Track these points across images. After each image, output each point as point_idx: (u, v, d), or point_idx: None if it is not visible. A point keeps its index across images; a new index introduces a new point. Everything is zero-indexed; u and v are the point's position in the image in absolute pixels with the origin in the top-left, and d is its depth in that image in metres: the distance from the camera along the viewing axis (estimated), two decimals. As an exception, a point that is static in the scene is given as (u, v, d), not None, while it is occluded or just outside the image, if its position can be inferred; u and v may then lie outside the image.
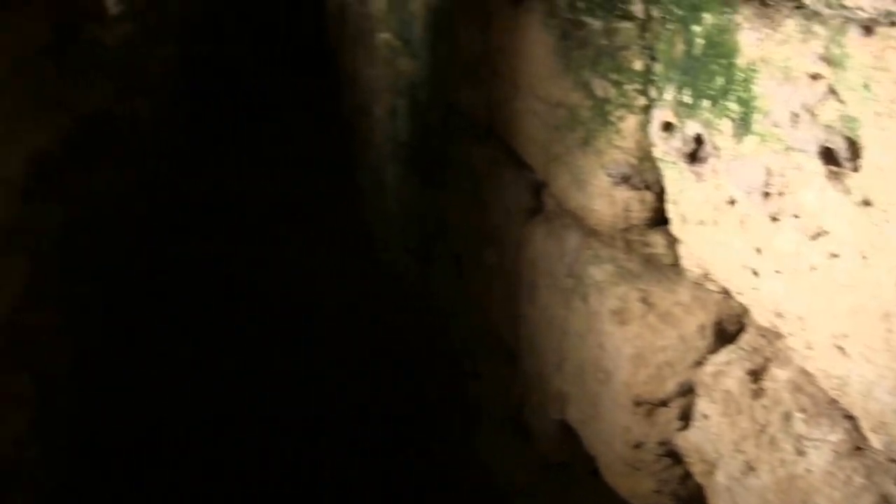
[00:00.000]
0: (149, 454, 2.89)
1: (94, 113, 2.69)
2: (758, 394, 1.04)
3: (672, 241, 1.29)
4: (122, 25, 3.34)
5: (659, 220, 1.34)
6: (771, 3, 0.98)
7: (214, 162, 6.08)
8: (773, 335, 1.07)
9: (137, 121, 3.67)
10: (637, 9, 1.28)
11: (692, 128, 1.11)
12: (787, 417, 0.98)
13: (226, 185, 5.69)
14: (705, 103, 1.09)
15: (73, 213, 2.35)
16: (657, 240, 1.34)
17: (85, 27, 2.63)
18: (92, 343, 2.61)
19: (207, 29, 7.84)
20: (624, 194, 1.34)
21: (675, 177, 1.19)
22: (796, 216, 0.93)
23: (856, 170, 0.83)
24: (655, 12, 1.24)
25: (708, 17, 1.09)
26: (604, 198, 1.37)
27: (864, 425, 0.87)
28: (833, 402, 0.93)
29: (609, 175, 1.34)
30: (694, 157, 1.12)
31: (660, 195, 1.31)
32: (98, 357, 2.71)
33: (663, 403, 1.25)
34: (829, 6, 0.85)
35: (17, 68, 1.91)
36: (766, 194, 0.97)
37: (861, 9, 0.80)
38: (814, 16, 0.89)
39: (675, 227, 1.25)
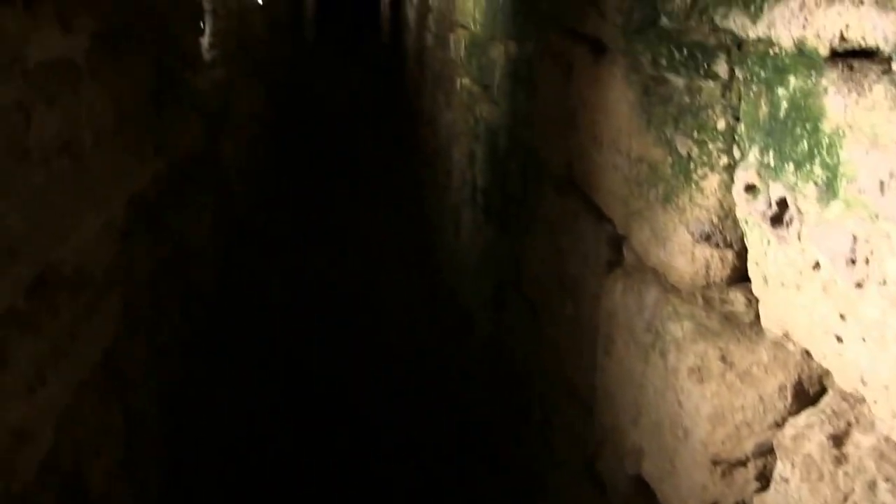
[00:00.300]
0: (233, 488, 2.96)
1: (185, 155, 2.80)
2: (840, 460, 1.03)
3: (752, 299, 1.29)
4: (215, 70, 3.48)
5: (739, 277, 1.34)
6: (858, 67, 0.98)
7: (289, 202, 6.24)
8: (855, 399, 1.06)
9: (223, 161, 3.80)
10: (721, 69, 1.29)
11: (776, 191, 1.11)
12: (871, 487, 0.96)
13: (301, 225, 5.82)
14: (790, 166, 1.09)
15: (161, 252, 2.44)
16: (737, 297, 1.34)
17: (182, 73, 2.74)
18: (177, 378, 2.69)
19: (289, 72, 8.05)
20: (705, 252, 1.34)
21: (758, 238, 1.19)
22: (883, 284, 0.92)
23: (945, 241, 0.83)
24: (739, 73, 1.25)
25: (793, 81, 1.09)
26: (685, 255, 1.38)
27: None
28: (920, 473, 0.91)
29: (690, 233, 1.35)
30: (778, 221, 1.12)
31: (740, 253, 1.31)
32: (183, 392, 2.79)
33: (741, 464, 1.24)
34: (919, 73, 0.85)
35: (124, 114, 2.00)
36: (852, 261, 0.96)
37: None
38: (902, 82, 0.89)
39: (757, 287, 1.24)
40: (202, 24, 3.27)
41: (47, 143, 1.49)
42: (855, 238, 0.96)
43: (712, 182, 1.32)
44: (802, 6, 1.06)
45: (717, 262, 1.34)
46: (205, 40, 3.32)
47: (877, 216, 0.92)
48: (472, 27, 3.70)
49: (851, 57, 0.99)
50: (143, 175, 2.16)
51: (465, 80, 3.89)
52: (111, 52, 1.94)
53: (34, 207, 1.43)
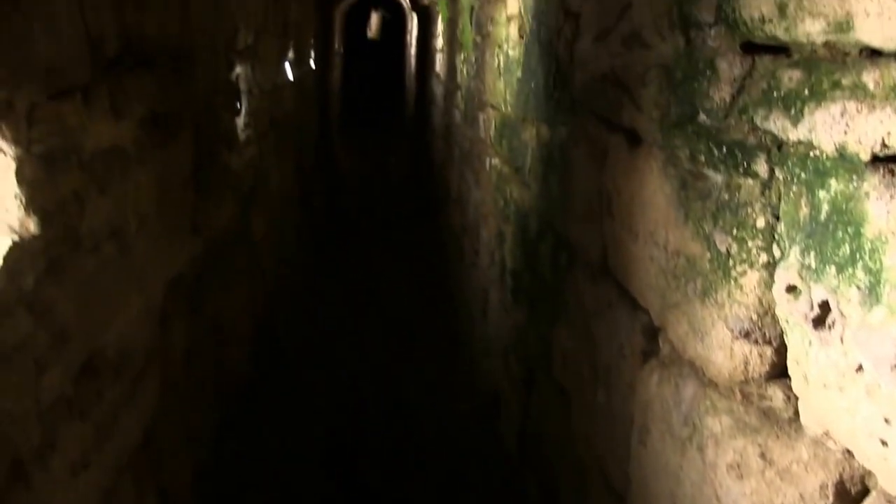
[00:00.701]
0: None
1: (220, 233, 2.85)
2: (887, 566, 1.02)
3: (791, 395, 1.28)
4: (248, 148, 3.55)
5: (778, 373, 1.33)
6: (900, 174, 1.00)
7: (315, 276, 6.28)
8: (900, 502, 1.05)
9: (254, 238, 3.85)
10: (761, 168, 1.30)
11: (818, 293, 1.12)
12: None
13: (326, 298, 5.85)
14: (831, 269, 1.09)
15: (197, 330, 2.46)
16: (776, 393, 1.34)
17: (219, 152, 2.80)
18: (211, 458, 2.69)
19: (316, 146, 8.20)
20: (744, 348, 1.34)
21: (799, 338, 1.19)
22: (930, 391, 0.92)
23: None
24: (779, 173, 1.26)
25: (834, 184, 1.10)
26: (723, 350, 1.38)
27: None
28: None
29: (729, 329, 1.35)
30: (820, 323, 1.12)
31: (779, 349, 1.31)
32: (216, 472, 2.79)
33: (783, 564, 1.22)
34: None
35: (165, 195, 2.05)
36: (897, 367, 0.97)
37: None
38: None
39: (797, 385, 1.24)
40: (239, 105, 3.35)
41: (97, 230, 1.53)
42: (900, 344, 0.96)
43: (751, 279, 1.32)
44: (843, 112, 1.08)
45: (756, 358, 1.34)
46: (240, 120, 3.39)
47: (923, 324, 0.93)
48: (503, 108, 3.75)
49: (893, 162, 1.01)
50: (181, 255, 2.19)
51: (496, 161, 3.93)
52: (156, 136, 2.00)
53: (83, 294, 1.46)
